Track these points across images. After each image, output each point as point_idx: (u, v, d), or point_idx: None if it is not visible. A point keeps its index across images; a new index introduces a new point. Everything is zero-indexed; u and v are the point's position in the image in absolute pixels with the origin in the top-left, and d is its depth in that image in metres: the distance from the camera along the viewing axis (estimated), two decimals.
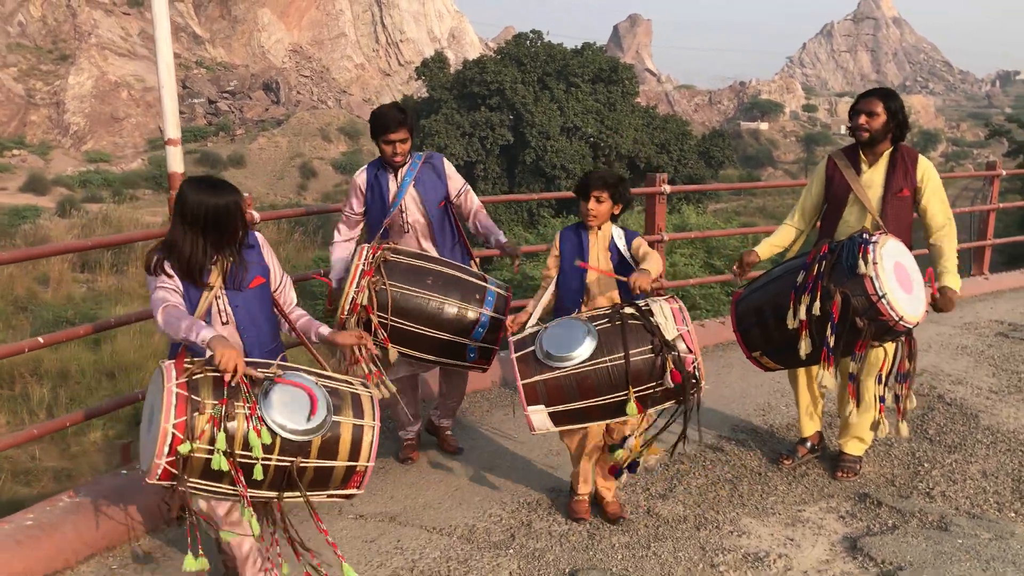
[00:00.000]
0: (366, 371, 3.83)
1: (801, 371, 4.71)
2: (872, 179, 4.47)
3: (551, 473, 4.73)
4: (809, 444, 4.85)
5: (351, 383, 3.26)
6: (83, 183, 54.02)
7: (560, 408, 3.68)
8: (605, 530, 4.10)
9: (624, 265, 4.10)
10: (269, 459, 2.95)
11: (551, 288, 4.23)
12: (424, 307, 4.23)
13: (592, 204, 4.07)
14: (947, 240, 4.43)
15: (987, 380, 6.23)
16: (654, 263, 3.93)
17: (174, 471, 2.88)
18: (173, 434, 2.84)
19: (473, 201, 4.82)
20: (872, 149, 4.47)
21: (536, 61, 42.19)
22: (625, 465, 3.96)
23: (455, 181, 4.75)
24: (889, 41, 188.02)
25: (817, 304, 3.96)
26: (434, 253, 4.62)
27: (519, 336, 3.86)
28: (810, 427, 4.86)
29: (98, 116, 69.98)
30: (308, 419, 2.99)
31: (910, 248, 4.31)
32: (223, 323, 3.29)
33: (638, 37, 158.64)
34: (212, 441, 2.88)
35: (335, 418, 3.07)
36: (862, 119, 4.39)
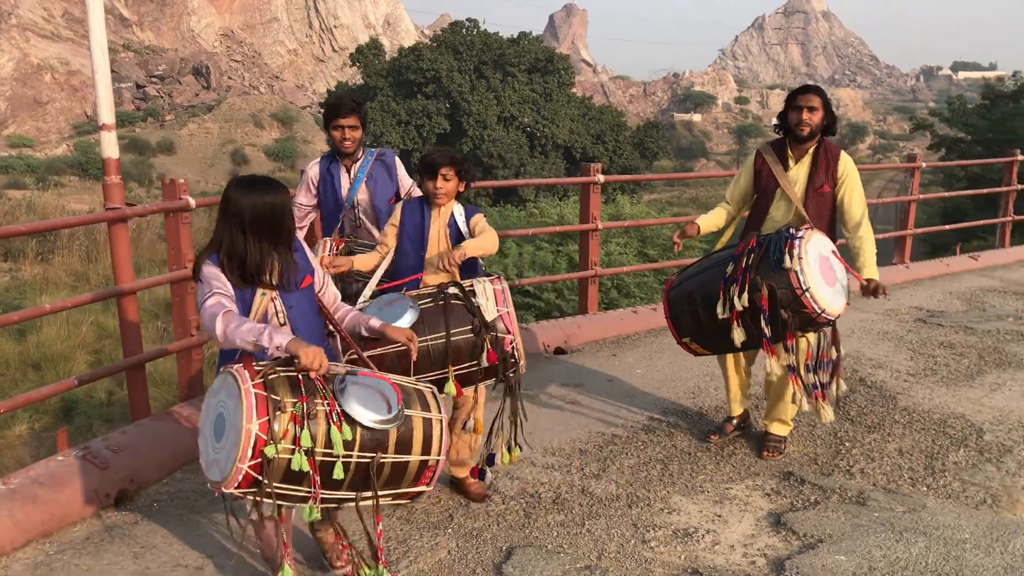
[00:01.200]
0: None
1: (730, 356, 4.90)
2: (797, 174, 4.65)
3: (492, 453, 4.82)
4: (735, 422, 5.06)
5: (409, 380, 3.25)
6: (5, 169, 52.33)
7: None
8: (541, 509, 4.21)
9: (462, 241, 4.13)
10: (350, 456, 2.91)
11: (389, 257, 4.22)
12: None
13: (440, 182, 4.08)
14: (865, 237, 4.61)
15: (905, 364, 6.51)
16: (482, 241, 4.05)
17: (256, 475, 2.79)
18: (257, 435, 2.76)
19: None
20: (801, 145, 4.63)
21: (472, 50, 42.19)
22: (484, 464, 4.30)
23: (405, 179, 4.87)
24: (819, 35, 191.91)
25: (745, 295, 4.14)
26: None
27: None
28: (737, 407, 5.07)
29: (20, 100, 67.74)
30: (385, 411, 2.96)
31: (833, 241, 4.51)
32: (279, 324, 3.22)
33: (574, 27, 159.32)
34: (295, 441, 2.81)
35: (408, 411, 3.05)
36: (804, 114, 4.53)
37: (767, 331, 4.15)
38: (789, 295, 4.10)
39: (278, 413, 2.80)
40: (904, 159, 10.53)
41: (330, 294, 3.49)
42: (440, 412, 3.13)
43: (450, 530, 4.03)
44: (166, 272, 5.27)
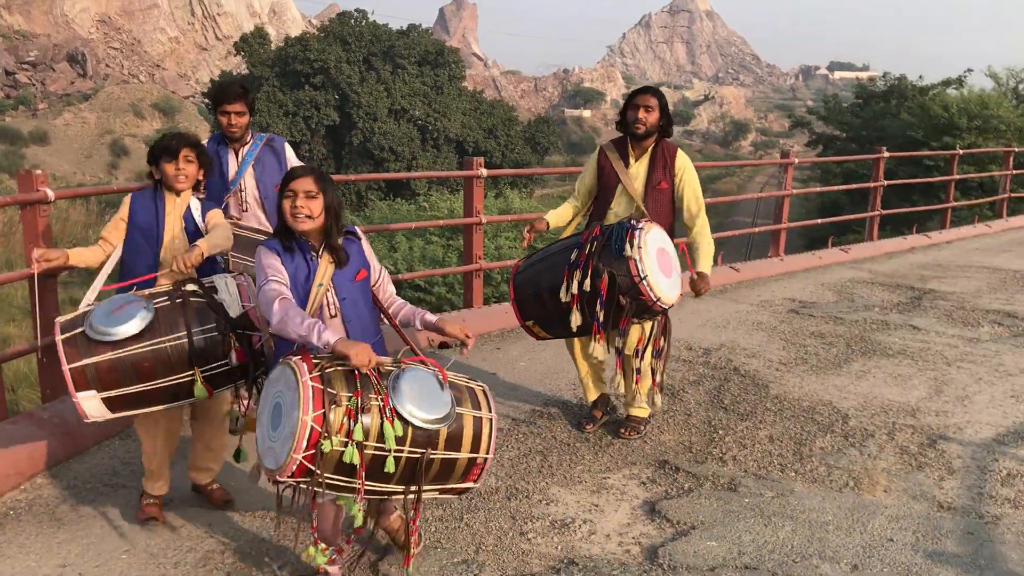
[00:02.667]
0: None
1: (576, 341, 5.04)
2: (638, 171, 4.86)
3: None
4: (599, 406, 5.18)
5: (461, 377, 3.28)
6: None
7: (116, 393, 3.43)
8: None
9: (198, 236, 3.87)
10: (401, 451, 2.98)
11: (114, 257, 3.90)
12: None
13: (182, 164, 3.84)
14: (701, 232, 4.88)
15: (778, 353, 6.73)
16: (218, 239, 3.78)
17: (310, 466, 2.87)
18: (312, 427, 2.85)
19: None
20: (641, 143, 4.85)
21: (361, 41, 41.64)
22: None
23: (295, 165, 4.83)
24: (703, 34, 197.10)
25: (588, 281, 4.33)
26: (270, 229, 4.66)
27: (67, 317, 3.52)
28: (593, 392, 5.19)
29: None
30: (437, 409, 3.03)
31: (671, 236, 4.76)
32: (331, 316, 3.31)
33: (464, 21, 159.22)
34: (348, 434, 2.90)
35: (459, 409, 3.11)
36: (640, 113, 4.76)
37: (600, 315, 4.35)
38: (628, 282, 4.33)
39: (333, 407, 2.90)
40: (781, 156, 10.90)
41: (386, 288, 3.54)
42: (491, 412, 3.21)
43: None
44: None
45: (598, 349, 4.44)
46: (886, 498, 4.36)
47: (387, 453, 2.95)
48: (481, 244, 7.54)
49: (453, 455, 3.11)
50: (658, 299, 4.35)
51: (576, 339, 4.98)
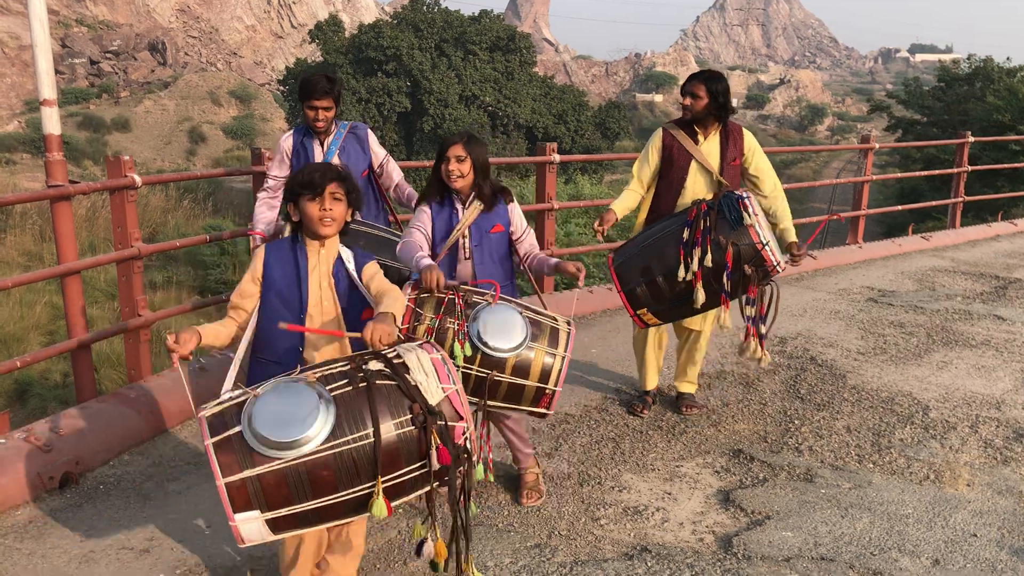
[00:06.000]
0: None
1: (652, 334, 5.11)
2: (710, 149, 4.85)
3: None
4: (653, 394, 5.29)
5: (555, 319, 3.71)
6: None
7: (284, 512, 2.59)
8: (492, 488, 4.21)
9: (355, 298, 3.10)
10: (470, 368, 3.48)
11: (251, 328, 3.07)
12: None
13: (329, 203, 3.00)
14: (781, 201, 4.90)
15: (856, 343, 6.59)
16: (397, 303, 2.96)
17: None
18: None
19: (395, 171, 5.05)
20: (704, 124, 4.83)
21: (433, 27, 41.84)
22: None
23: (378, 152, 4.96)
24: (779, 16, 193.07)
25: (709, 256, 4.33)
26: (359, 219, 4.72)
27: (213, 409, 2.66)
28: (652, 381, 5.28)
29: None
30: (506, 341, 3.49)
31: None
32: (465, 258, 3.93)
33: (536, 6, 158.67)
34: None
35: (531, 343, 3.56)
36: (687, 100, 4.78)
37: (727, 287, 4.37)
38: (751, 251, 4.35)
39: (416, 324, 3.49)
40: (860, 141, 10.64)
41: (527, 243, 4.08)
42: (566, 351, 3.61)
43: (399, 510, 4.02)
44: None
45: (728, 320, 4.53)
46: (969, 492, 4.25)
47: (456, 368, 3.25)
48: (553, 230, 7.53)
49: (520, 381, 3.55)
50: (778, 262, 4.39)
51: (650, 330, 5.01)
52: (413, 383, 2.70)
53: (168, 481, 4.30)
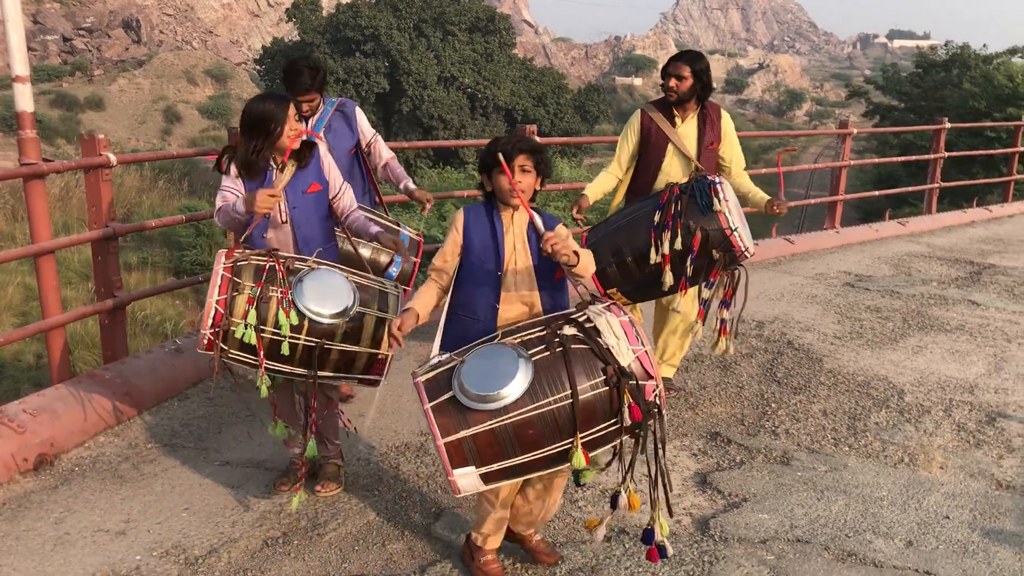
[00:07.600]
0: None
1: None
2: (687, 131, 4.87)
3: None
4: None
5: (382, 283, 3.73)
6: None
7: (496, 467, 2.93)
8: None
9: (545, 260, 3.17)
10: (297, 338, 3.47)
11: (448, 288, 3.30)
12: (339, 249, 4.26)
13: (518, 175, 3.14)
14: (747, 179, 5.02)
15: (832, 327, 6.64)
16: (587, 256, 3.14)
17: (219, 342, 3.43)
18: (216, 310, 3.40)
19: (383, 150, 4.98)
20: (685, 105, 4.85)
21: (412, 7, 41.54)
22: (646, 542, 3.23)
23: (366, 131, 4.88)
24: (759, 0, 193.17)
25: (679, 240, 4.34)
26: None
27: (426, 375, 3.00)
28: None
29: None
30: (332, 307, 3.48)
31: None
32: (282, 221, 3.75)
33: None
34: (245, 317, 3.40)
35: (360, 309, 3.54)
36: (672, 82, 4.79)
37: (688, 271, 4.39)
38: (720, 236, 4.36)
39: (235, 294, 3.42)
40: (839, 126, 10.69)
41: (345, 200, 3.94)
42: (396, 315, 3.50)
43: (378, 492, 4.01)
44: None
45: (684, 304, 4.54)
46: (942, 475, 4.30)
47: (283, 339, 3.43)
48: None
49: (352, 348, 3.55)
50: (746, 248, 4.40)
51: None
52: (605, 346, 2.94)
53: (144, 463, 4.27)
